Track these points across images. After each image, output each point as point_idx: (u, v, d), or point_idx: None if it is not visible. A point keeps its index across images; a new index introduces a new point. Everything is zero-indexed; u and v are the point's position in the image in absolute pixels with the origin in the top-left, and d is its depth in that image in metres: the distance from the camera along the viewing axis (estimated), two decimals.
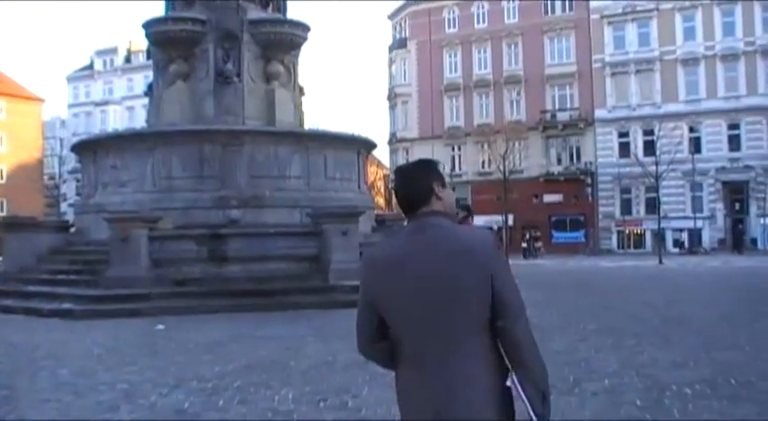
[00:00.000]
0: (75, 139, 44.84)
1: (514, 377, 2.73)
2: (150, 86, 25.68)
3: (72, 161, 69.05)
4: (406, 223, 3.01)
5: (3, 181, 76.73)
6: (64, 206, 76.40)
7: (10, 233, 22.26)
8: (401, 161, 66.05)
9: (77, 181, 63.36)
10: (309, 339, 12.02)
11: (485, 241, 2.86)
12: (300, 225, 19.92)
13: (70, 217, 37.65)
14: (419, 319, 2.78)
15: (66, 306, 16.34)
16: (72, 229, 23.71)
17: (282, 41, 23.77)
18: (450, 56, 64.06)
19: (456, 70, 63.58)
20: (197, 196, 20.09)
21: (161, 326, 13.44)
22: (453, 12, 64.06)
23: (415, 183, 2.96)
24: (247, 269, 17.92)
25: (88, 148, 24.38)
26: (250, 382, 8.61)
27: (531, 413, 2.70)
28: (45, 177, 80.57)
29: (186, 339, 12.33)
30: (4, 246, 23.95)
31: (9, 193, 74.50)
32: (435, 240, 2.82)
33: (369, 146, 25.62)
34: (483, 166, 61.15)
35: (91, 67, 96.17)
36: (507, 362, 2.78)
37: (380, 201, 71.56)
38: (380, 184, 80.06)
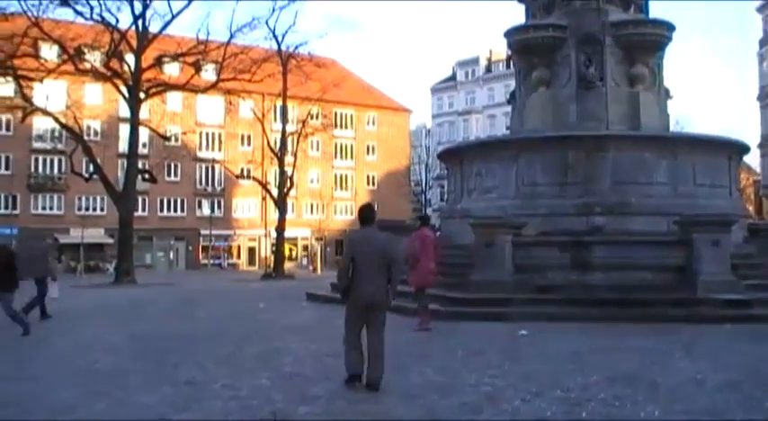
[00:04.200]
0: (439, 148, 46.94)
1: (389, 285, 8.91)
2: (513, 94, 26.13)
3: (437, 168, 72.47)
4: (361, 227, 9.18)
5: (374, 187, 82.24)
6: (428, 211, 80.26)
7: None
8: None
9: (441, 187, 66.35)
10: (676, 355, 11.43)
11: (390, 240, 9.32)
12: (667, 233, 18.99)
13: (434, 222, 39.23)
14: (369, 263, 8.77)
15: (431, 306, 16.99)
16: (438, 234, 24.70)
17: (646, 42, 23.00)
18: None
19: None
20: (559, 203, 19.99)
21: (524, 332, 13.52)
22: None
23: (374, 214, 9.22)
24: (609, 277, 17.39)
25: (454, 156, 25.36)
26: (614, 395, 8.37)
27: (390, 298, 9.04)
28: (411, 183, 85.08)
29: (548, 346, 12.33)
30: None
31: (379, 198, 79.77)
32: (376, 235, 9.10)
33: (742, 150, 23.82)
34: None
35: (453, 78, 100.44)
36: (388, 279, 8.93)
37: (750, 208, 66.87)
38: (750, 191, 74.80)
